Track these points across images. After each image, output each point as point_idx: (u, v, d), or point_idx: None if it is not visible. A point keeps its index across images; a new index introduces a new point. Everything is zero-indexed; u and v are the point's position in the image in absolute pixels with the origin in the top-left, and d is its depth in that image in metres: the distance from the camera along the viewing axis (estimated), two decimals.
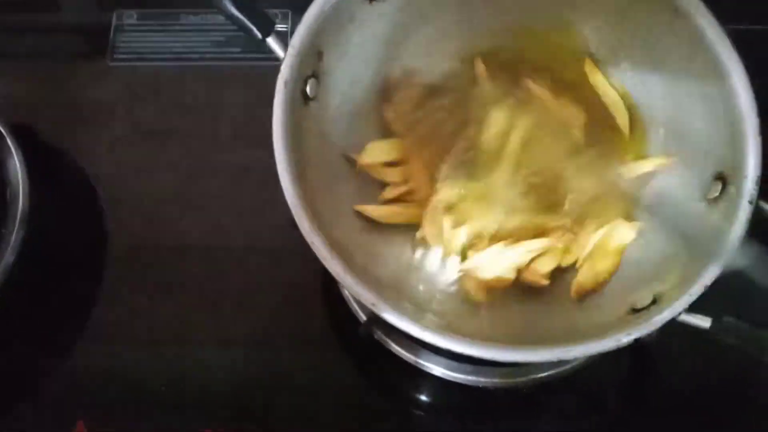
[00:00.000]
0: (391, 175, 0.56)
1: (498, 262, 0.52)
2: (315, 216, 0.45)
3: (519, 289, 0.53)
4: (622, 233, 0.53)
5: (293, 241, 0.58)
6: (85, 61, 0.70)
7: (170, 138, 0.66)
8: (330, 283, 0.59)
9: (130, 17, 0.71)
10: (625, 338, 0.42)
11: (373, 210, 0.54)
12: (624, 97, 0.55)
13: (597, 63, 0.56)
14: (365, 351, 0.58)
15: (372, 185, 0.56)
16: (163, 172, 0.64)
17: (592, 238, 0.53)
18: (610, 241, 0.53)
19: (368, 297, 0.42)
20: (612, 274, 0.52)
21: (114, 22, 0.70)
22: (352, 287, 0.43)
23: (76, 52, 0.71)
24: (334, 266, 0.43)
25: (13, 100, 0.64)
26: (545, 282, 0.53)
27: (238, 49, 0.69)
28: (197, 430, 0.54)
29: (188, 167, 0.64)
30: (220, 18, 0.70)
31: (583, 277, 0.52)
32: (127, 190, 0.64)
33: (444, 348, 0.42)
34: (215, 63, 0.69)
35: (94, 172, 0.64)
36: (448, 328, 0.43)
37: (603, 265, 0.52)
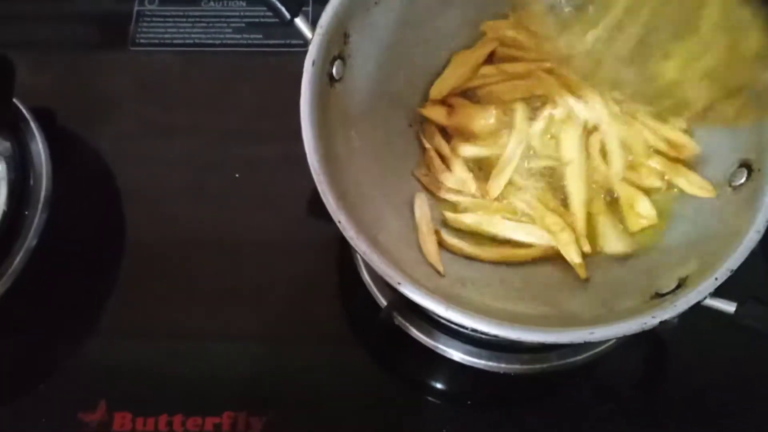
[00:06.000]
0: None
1: None
2: (339, 196, 0.45)
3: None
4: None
5: (309, 231, 0.59)
6: (106, 48, 0.70)
7: (190, 126, 0.66)
8: (348, 271, 0.59)
9: (152, 3, 0.71)
10: (650, 321, 0.42)
11: None
12: None
13: None
14: (385, 337, 0.57)
15: (397, 169, 0.55)
16: (183, 161, 0.64)
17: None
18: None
19: (394, 276, 0.42)
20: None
21: (135, 8, 0.71)
22: (378, 266, 0.43)
23: (98, 39, 0.71)
24: (361, 244, 0.43)
25: (37, 87, 0.64)
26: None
27: (260, 36, 0.69)
28: (218, 414, 0.54)
29: (207, 156, 0.64)
30: (242, 4, 0.71)
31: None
32: (146, 177, 0.64)
33: (469, 327, 0.42)
34: (236, 50, 0.69)
35: (114, 157, 0.64)
36: (472, 308, 0.42)
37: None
